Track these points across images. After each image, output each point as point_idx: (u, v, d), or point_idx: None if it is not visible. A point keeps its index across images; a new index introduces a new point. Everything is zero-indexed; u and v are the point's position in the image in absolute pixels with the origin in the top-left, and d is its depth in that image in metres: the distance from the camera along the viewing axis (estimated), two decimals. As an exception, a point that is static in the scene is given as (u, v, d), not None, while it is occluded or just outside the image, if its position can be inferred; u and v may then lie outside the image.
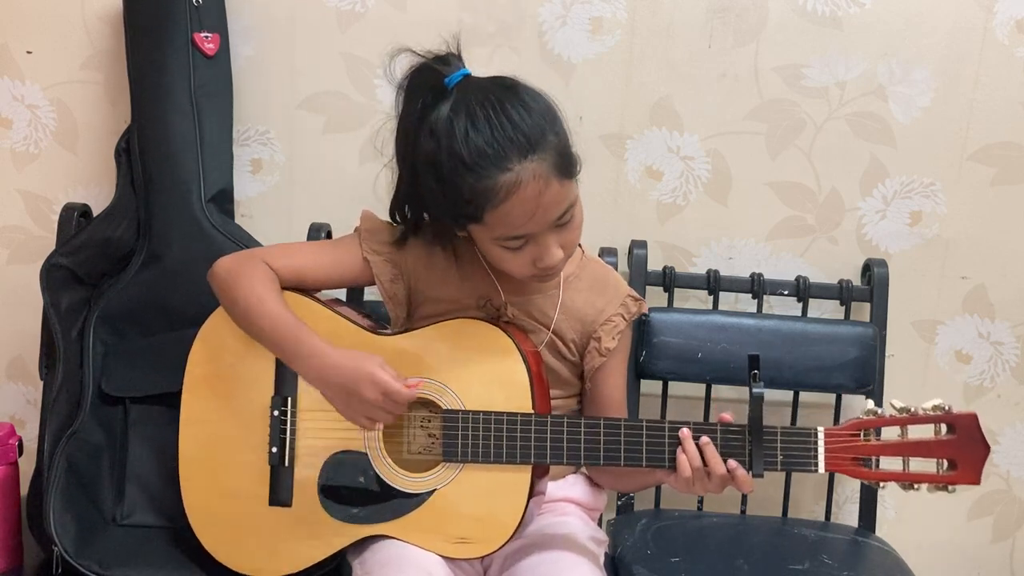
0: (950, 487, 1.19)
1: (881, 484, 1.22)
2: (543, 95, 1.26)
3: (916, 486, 1.20)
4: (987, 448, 1.18)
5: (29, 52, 1.78)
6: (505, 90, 1.23)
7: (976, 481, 1.19)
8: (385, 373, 1.26)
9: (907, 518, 1.92)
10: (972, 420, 1.18)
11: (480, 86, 1.23)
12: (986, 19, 1.71)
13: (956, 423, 1.18)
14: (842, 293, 1.76)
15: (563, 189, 1.23)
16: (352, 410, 1.29)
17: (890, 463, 1.21)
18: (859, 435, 1.21)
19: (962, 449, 1.18)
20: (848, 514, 1.86)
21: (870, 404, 1.22)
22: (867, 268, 1.79)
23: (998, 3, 1.71)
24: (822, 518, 1.80)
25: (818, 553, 1.60)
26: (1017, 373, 1.86)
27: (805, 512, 1.88)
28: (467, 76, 1.24)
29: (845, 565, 1.56)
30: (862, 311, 1.79)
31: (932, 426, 1.19)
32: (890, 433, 1.21)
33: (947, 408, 1.18)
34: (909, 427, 1.20)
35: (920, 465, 1.20)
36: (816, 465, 1.22)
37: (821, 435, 1.22)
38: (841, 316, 1.78)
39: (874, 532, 1.74)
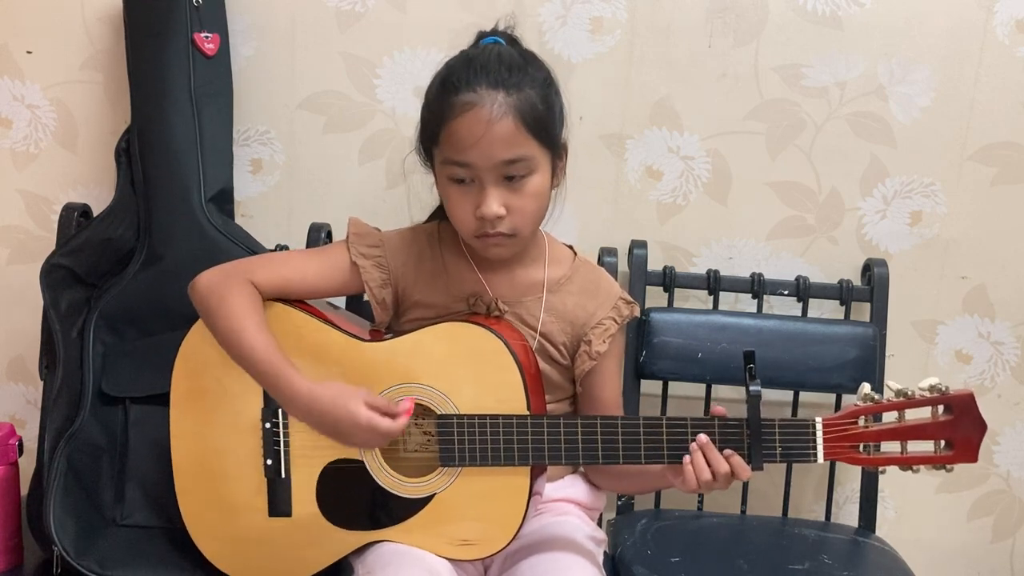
0: (948, 466, 1.19)
1: (881, 469, 1.22)
2: (550, 70, 1.31)
3: (915, 468, 1.20)
4: (984, 426, 1.18)
5: (29, 52, 1.78)
6: (513, 43, 1.32)
7: (973, 459, 1.18)
8: (372, 413, 1.23)
9: (907, 518, 1.92)
10: (969, 399, 1.18)
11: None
12: (986, 19, 1.71)
13: (953, 403, 1.18)
14: (842, 293, 1.76)
15: (518, 134, 1.24)
16: (345, 443, 1.28)
17: (888, 447, 1.20)
18: (856, 422, 1.20)
19: (959, 429, 1.18)
20: (848, 514, 1.86)
21: (867, 388, 1.21)
22: (867, 268, 1.79)
23: (998, 3, 1.71)
24: (822, 518, 1.80)
25: (818, 553, 1.60)
26: (1017, 373, 1.86)
27: (805, 512, 1.88)
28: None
29: (845, 565, 1.56)
30: (862, 311, 1.79)
31: (930, 407, 1.19)
32: (888, 416, 1.20)
33: (944, 389, 1.18)
34: (907, 410, 1.19)
35: (918, 447, 1.20)
36: (815, 456, 1.21)
37: (819, 425, 1.21)
38: (841, 316, 1.78)
39: (874, 532, 1.74)
